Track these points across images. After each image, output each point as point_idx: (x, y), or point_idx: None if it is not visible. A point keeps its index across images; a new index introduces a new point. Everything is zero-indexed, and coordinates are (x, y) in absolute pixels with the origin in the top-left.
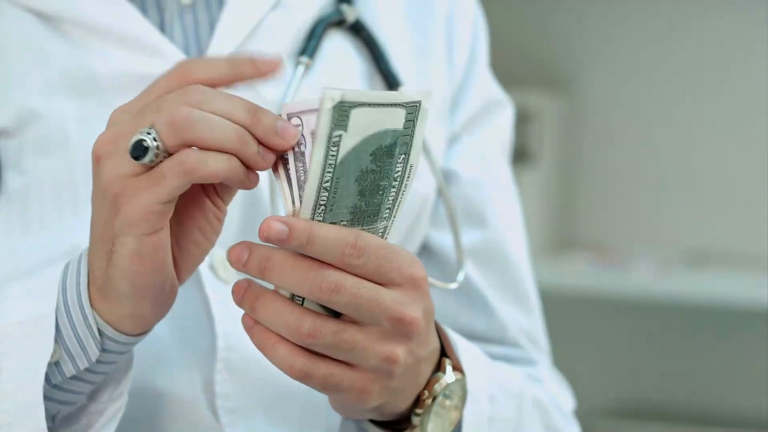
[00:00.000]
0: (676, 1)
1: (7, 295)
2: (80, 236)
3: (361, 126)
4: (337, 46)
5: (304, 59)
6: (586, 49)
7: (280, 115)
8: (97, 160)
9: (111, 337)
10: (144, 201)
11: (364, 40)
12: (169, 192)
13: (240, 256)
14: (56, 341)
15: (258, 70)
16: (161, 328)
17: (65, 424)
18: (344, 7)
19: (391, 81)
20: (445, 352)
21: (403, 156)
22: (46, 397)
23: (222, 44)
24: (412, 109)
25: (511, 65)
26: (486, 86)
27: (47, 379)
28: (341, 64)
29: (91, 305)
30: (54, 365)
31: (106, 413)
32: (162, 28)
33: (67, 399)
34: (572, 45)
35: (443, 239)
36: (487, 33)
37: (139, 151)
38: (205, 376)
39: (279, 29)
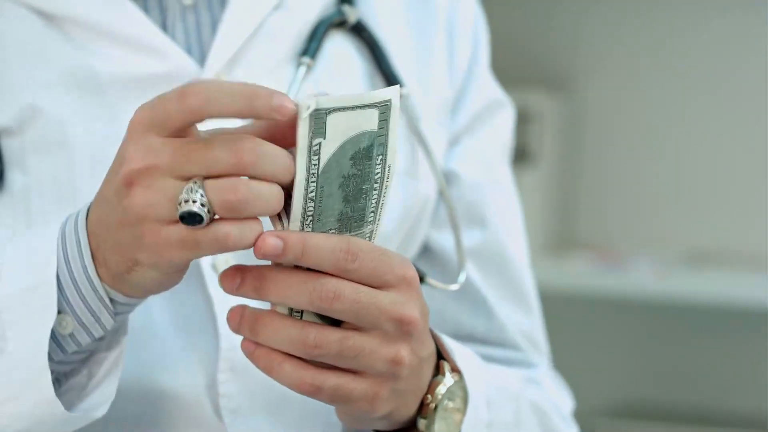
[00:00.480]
0: (676, 1)
1: (0, 265)
2: None
3: (339, 131)
4: (339, 46)
5: (306, 60)
6: (587, 49)
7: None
8: (129, 184)
9: (122, 302)
10: (174, 257)
11: (365, 41)
12: (200, 256)
13: (233, 281)
14: (68, 314)
15: (273, 109)
16: (164, 328)
17: (67, 377)
18: (346, 8)
19: (392, 82)
20: (441, 355)
21: (380, 157)
22: (60, 362)
23: (224, 45)
24: (385, 108)
25: (511, 65)
26: (487, 87)
27: (62, 349)
28: (343, 64)
29: (100, 278)
30: (68, 336)
31: (105, 362)
32: (164, 28)
33: (76, 359)
34: (572, 45)
35: (444, 240)
36: (487, 34)
37: (190, 219)
38: (209, 376)
39: (281, 30)
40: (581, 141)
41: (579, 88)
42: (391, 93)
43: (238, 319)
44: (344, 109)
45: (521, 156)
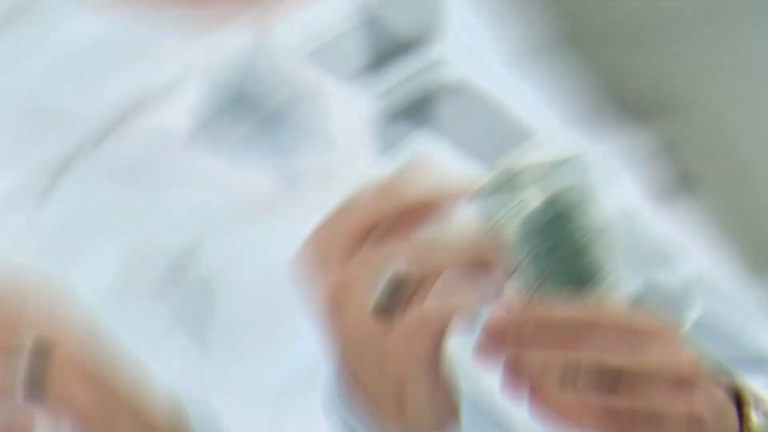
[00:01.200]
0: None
1: None
2: None
3: (538, 191)
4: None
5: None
6: None
7: None
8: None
9: None
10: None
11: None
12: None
13: (493, 350)
14: None
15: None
16: None
17: None
18: (437, 73)
19: (519, 135)
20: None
21: (588, 212)
22: None
23: None
24: (574, 164)
25: None
26: None
27: None
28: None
29: None
30: None
31: None
32: None
33: None
34: None
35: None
36: None
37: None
38: None
39: None
40: None
41: None
42: (575, 150)
43: (515, 379)
44: (536, 168)
45: None
